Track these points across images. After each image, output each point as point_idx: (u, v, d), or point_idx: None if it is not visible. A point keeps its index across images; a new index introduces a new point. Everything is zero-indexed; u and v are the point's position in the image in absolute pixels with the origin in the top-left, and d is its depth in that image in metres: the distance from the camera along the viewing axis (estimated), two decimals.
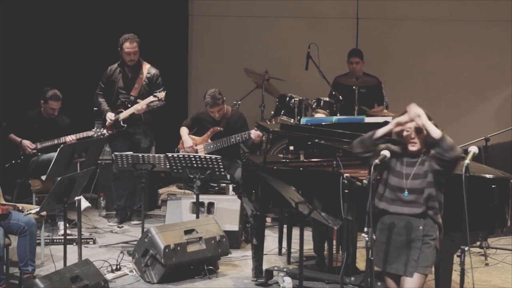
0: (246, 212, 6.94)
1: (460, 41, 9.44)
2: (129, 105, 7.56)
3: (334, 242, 6.27)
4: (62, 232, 6.74)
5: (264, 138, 8.00)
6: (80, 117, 7.99)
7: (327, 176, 5.48)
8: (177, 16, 9.43)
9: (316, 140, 5.66)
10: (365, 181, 4.66)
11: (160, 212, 8.26)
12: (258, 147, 7.41)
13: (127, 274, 6.09)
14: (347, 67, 8.61)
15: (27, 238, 5.62)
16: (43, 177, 6.81)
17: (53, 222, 7.23)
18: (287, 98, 8.11)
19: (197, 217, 6.57)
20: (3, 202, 5.91)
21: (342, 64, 8.67)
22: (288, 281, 5.71)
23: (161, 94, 7.42)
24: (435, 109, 9.28)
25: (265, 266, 5.99)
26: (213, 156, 6.43)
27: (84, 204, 6.29)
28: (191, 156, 6.50)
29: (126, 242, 6.97)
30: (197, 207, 6.61)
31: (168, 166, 6.64)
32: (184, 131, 7.63)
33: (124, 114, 7.54)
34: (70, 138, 7.24)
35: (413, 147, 4.49)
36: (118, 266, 6.13)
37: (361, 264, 5.88)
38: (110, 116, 7.56)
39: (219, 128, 7.48)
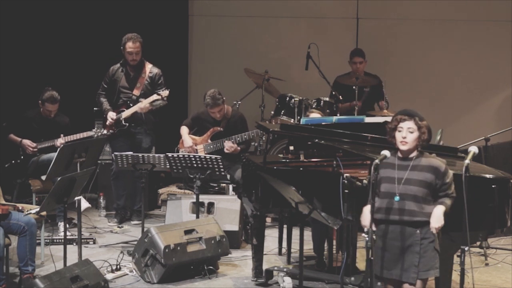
0: (246, 212, 6.94)
1: (460, 41, 9.45)
2: (131, 104, 7.56)
3: (334, 242, 6.27)
4: (62, 232, 6.74)
5: (261, 142, 8.04)
6: (80, 117, 7.99)
7: (327, 176, 5.48)
8: (177, 16, 9.43)
9: (316, 140, 5.66)
10: (365, 181, 4.67)
11: (160, 212, 8.26)
12: (234, 155, 7.37)
13: (127, 274, 6.09)
14: (347, 67, 8.60)
15: (27, 238, 5.62)
16: (43, 177, 6.81)
17: (53, 222, 7.23)
18: (287, 98, 8.12)
19: (197, 217, 6.57)
20: (3, 202, 5.90)
21: (342, 64, 8.67)
22: (288, 281, 5.70)
23: (165, 93, 7.43)
24: (435, 109, 9.42)
25: (265, 266, 5.99)
26: (213, 156, 6.43)
27: (84, 204, 6.29)
28: (191, 156, 6.50)
29: (126, 242, 6.97)
30: (197, 207, 6.61)
31: (168, 166, 6.63)
32: (184, 130, 7.63)
33: (126, 113, 7.54)
34: (61, 141, 7.23)
35: (404, 146, 4.47)
36: (118, 266, 6.12)
37: (361, 264, 5.87)
38: (111, 115, 7.56)
39: (219, 128, 7.48)
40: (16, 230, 5.61)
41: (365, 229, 4.36)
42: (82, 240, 6.24)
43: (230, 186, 7.71)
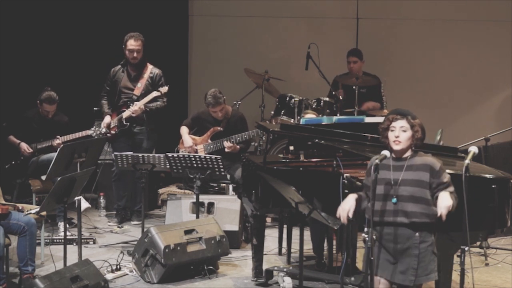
0: (246, 212, 6.94)
1: (460, 41, 9.45)
2: (131, 105, 7.56)
3: (334, 242, 6.27)
4: (62, 232, 6.74)
5: (261, 142, 8.04)
6: (79, 116, 7.99)
7: (327, 176, 5.48)
8: (177, 16, 9.44)
9: (316, 140, 5.66)
10: (358, 183, 4.66)
11: (160, 212, 8.26)
12: (234, 154, 7.39)
13: (127, 274, 6.09)
14: (347, 67, 8.61)
15: (27, 238, 5.62)
16: (43, 177, 6.81)
17: (53, 222, 7.23)
18: (287, 98, 8.12)
19: (197, 217, 6.57)
20: (3, 202, 5.91)
21: (342, 64, 8.67)
22: (288, 281, 5.70)
23: (164, 89, 7.45)
24: (435, 109, 9.43)
25: (265, 266, 5.99)
26: (213, 156, 6.43)
27: (84, 205, 6.28)
28: (191, 156, 6.50)
29: (126, 242, 6.97)
30: (197, 207, 6.61)
31: (168, 166, 6.63)
32: (184, 130, 7.63)
33: (127, 113, 7.55)
34: (58, 141, 7.25)
35: (397, 146, 4.41)
36: (118, 266, 6.12)
37: (361, 264, 5.87)
38: (106, 120, 7.56)
39: (219, 128, 7.48)
40: (16, 230, 5.61)
41: (365, 229, 4.35)
42: (82, 240, 6.24)
43: (230, 186, 7.71)
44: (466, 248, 4.44)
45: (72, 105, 8.01)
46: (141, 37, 7.56)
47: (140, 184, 6.87)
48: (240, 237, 7.01)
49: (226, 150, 7.33)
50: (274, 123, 7.80)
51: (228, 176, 7.11)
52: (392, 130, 4.44)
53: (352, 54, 8.51)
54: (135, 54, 7.54)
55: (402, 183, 4.38)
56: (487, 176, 4.99)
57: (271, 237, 7.10)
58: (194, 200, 6.66)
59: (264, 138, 8.05)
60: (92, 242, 7.01)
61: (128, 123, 7.57)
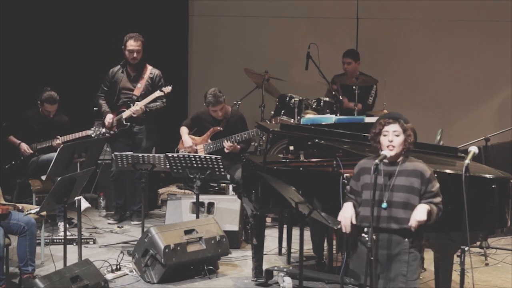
0: (246, 212, 6.94)
1: (460, 41, 9.45)
2: (131, 104, 7.57)
3: (334, 242, 6.27)
4: (62, 232, 6.74)
5: (261, 142, 8.04)
6: (79, 117, 7.99)
7: (327, 176, 5.48)
8: (177, 16, 9.44)
9: (316, 140, 5.66)
10: (345, 181, 4.66)
11: (160, 212, 8.26)
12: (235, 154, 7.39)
13: (127, 274, 6.09)
14: (342, 68, 8.63)
15: (27, 238, 5.62)
16: (43, 177, 6.81)
17: (53, 222, 7.23)
18: (287, 98, 8.12)
19: (197, 217, 6.57)
20: (3, 202, 5.90)
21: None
22: (288, 281, 5.70)
23: (167, 89, 7.45)
24: (435, 109, 9.43)
25: (265, 266, 5.99)
26: (213, 156, 6.43)
27: (84, 204, 6.29)
28: (191, 156, 6.50)
29: (126, 242, 6.97)
30: (197, 207, 6.61)
31: (168, 166, 6.63)
32: (184, 130, 7.63)
33: (127, 113, 7.56)
34: (58, 141, 7.25)
35: (390, 152, 4.37)
36: (118, 266, 6.12)
37: None
38: (109, 118, 7.57)
39: (219, 128, 7.48)
40: (16, 230, 5.61)
41: (365, 229, 4.35)
42: (82, 240, 6.24)
43: (230, 186, 7.71)
44: (466, 248, 4.45)
45: (72, 105, 8.00)
46: (141, 38, 7.56)
47: (140, 184, 6.87)
48: (240, 237, 7.01)
49: (226, 150, 7.32)
50: (274, 123, 7.80)
51: (228, 176, 7.11)
52: (384, 135, 4.40)
53: (346, 55, 8.54)
54: (135, 55, 7.54)
55: (395, 189, 4.36)
56: (487, 176, 4.99)
57: (271, 237, 7.11)
58: (194, 200, 6.66)
59: (264, 138, 8.05)
60: (92, 242, 7.01)
61: (128, 123, 7.58)
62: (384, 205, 4.35)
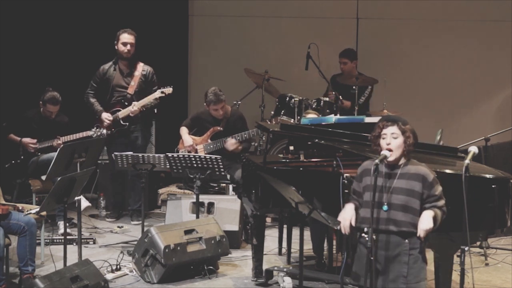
0: (246, 212, 6.94)
1: (460, 41, 9.45)
2: (126, 103, 7.57)
3: (334, 242, 6.27)
4: (62, 232, 6.74)
5: (261, 142, 8.04)
6: (79, 117, 7.99)
7: (327, 176, 5.48)
8: (177, 16, 9.43)
9: (316, 140, 5.66)
10: (345, 181, 4.65)
11: (160, 212, 8.26)
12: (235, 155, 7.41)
13: (127, 274, 6.09)
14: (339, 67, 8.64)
15: (27, 238, 5.62)
16: (43, 177, 6.81)
17: (53, 222, 7.23)
18: (287, 98, 8.12)
19: (197, 217, 6.57)
20: (3, 202, 5.90)
21: None
22: (288, 281, 5.70)
23: (168, 90, 7.46)
24: (435, 109, 9.42)
25: (265, 266, 5.99)
26: (213, 156, 6.43)
27: (84, 204, 6.28)
28: (191, 156, 6.50)
29: (126, 242, 6.97)
30: (197, 207, 6.61)
31: (168, 166, 6.64)
32: (183, 130, 7.63)
33: (123, 113, 7.56)
34: (58, 141, 7.25)
35: (390, 157, 4.36)
36: (118, 266, 6.12)
37: None
38: (107, 116, 7.57)
39: (219, 128, 7.48)
40: (16, 230, 5.61)
41: (365, 229, 4.35)
42: (82, 240, 6.24)
43: (230, 186, 7.71)
44: (466, 248, 4.44)
45: (73, 105, 8.00)
46: (134, 33, 7.60)
47: (140, 184, 6.87)
48: (240, 237, 7.01)
49: (231, 148, 7.31)
50: (274, 123, 7.80)
51: (228, 176, 7.11)
52: (383, 138, 4.40)
53: (341, 55, 8.57)
54: (128, 47, 7.55)
55: (394, 191, 4.36)
56: (487, 176, 4.99)
57: (271, 237, 7.11)
58: (194, 200, 6.66)
59: (264, 138, 8.05)
60: (92, 242, 7.01)
61: (127, 123, 7.59)
62: (385, 207, 4.35)
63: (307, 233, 6.13)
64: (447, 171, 4.90)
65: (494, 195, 4.93)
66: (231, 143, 7.33)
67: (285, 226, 6.66)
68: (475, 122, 9.38)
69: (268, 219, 7.55)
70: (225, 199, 7.16)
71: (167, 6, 9.26)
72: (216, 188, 7.99)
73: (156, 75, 7.77)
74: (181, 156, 6.51)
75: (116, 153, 6.83)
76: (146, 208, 7.80)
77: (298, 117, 7.84)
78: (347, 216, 4.46)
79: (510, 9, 9.24)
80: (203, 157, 6.45)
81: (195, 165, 6.46)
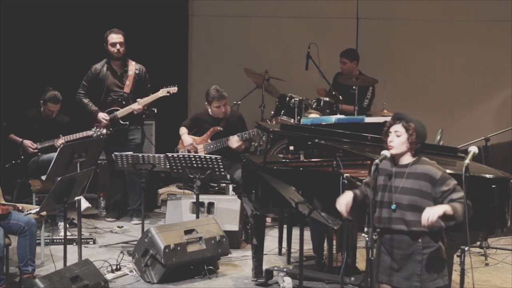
0: (246, 212, 6.94)
1: (460, 41, 9.45)
2: (123, 102, 7.58)
3: (334, 242, 6.27)
4: (62, 232, 6.74)
5: (261, 142, 8.04)
6: (80, 117, 7.99)
7: (327, 176, 5.48)
8: (177, 16, 9.43)
9: (316, 140, 5.66)
10: (345, 181, 4.66)
11: (160, 212, 8.26)
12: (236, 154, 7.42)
13: (127, 274, 6.09)
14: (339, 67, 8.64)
15: (27, 238, 5.62)
16: (43, 177, 6.81)
17: (53, 222, 7.23)
18: (287, 98, 8.12)
19: (197, 217, 6.57)
20: (3, 202, 5.91)
21: None
22: (288, 281, 5.70)
23: (174, 89, 7.49)
24: (435, 109, 9.42)
25: (265, 266, 5.99)
26: (213, 156, 6.43)
27: (84, 204, 6.28)
28: (191, 156, 6.50)
29: (126, 242, 6.97)
30: (197, 207, 6.61)
31: (168, 166, 6.64)
32: (183, 131, 7.63)
33: (122, 112, 7.56)
34: (61, 141, 7.25)
35: (391, 150, 4.39)
36: (118, 266, 6.13)
37: (361, 264, 5.88)
38: (104, 116, 7.58)
39: (219, 128, 7.48)
40: (16, 230, 5.61)
41: (365, 229, 4.35)
42: (82, 240, 6.24)
43: (230, 186, 7.71)
44: (466, 248, 4.44)
45: (73, 105, 8.00)
46: (121, 31, 7.60)
47: (140, 184, 6.87)
48: (240, 237, 7.01)
49: (235, 145, 7.30)
50: (274, 123, 7.80)
51: (228, 176, 7.11)
52: (388, 136, 4.44)
53: (341, 55, 8.56)
54: (118, 47, 7.55)
55: (402, 191, 4.37)
56: (487, 176, 4.99)
57: (271, 237, 7.11)
58: (194, 200, 6.66)
59: (264, 138, 8.05)
60: (92, 242, 7.01)
61: (127, 122, 7.60)
62: (393, 206, 4.36)
63: (307, 233, 6.13)
64: (447, 171, 4.88)
65: (494, 195, 4.93)
66: (235, 140, 7.31)
67: (285, 226, 6.66)
68: (475, 122, 9.37)
69: (268, 219, 7.55)
70: (225, 199, 7.15)
71: (167, 6, 9.26)
72: (216, 188, 7.99)
73: (156, 75, 7.78)
74: (181, 156, 6.51)
75: (116, 153, 6.83)
76: (146, 208, 7.79)
77: (298, 117, 7.85)
78: (342, 201, 4.49)
79: (510, 9, 9.23)
80: (203, 157, 6.45)
81: (195, 165, 6.46)
